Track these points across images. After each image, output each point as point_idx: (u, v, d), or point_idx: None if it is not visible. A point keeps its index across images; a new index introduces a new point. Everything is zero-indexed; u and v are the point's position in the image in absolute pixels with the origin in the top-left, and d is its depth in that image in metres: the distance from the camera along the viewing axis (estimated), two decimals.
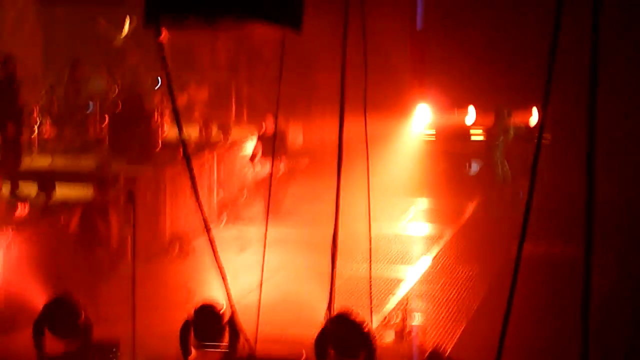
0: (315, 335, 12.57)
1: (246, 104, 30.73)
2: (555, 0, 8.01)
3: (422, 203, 27.82)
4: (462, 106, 31.65)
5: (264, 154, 23.53)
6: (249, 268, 19.56)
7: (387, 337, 17.04)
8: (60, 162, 23.13)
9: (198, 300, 13.86)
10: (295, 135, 30.91)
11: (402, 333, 17.44)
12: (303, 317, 17.84)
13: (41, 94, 23.70)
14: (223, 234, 23.38)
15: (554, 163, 21.18)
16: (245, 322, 12.36)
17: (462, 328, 18.12)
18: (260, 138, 23.38)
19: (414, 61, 34.15)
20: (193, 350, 13.11)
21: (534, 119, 28.03)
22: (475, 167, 30.15)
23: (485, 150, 27.33)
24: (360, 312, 13.24)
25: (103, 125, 24.23)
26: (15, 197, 20.75)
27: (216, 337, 12.83)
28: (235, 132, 27.76)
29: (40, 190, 20.38)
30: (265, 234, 13.71)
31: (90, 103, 24.31)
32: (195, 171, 23.91)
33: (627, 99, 28.30)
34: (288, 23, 8.04)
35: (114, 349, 13.83)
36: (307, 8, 8.43)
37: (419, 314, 18.61)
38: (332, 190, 10.69)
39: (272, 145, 22.87)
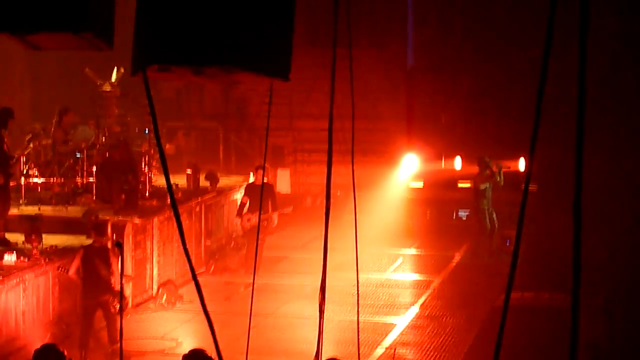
0: None
1: (234, 152, 30.77)
2: (542, 50, 8.06)
3: (411, 251, 27.83)
4: (450, 156, 31.80)
5: (253, 205, 23.48)
6: (238, 314, 19.61)
7: None
8: (47, 210, 23.13)
9: (187, 349, 13.85)
10: (283, 183, 31.01)
11: None
12: None
13: (25, 141, 23.68)
14: (211, 280, 23.39)
15: (541, 211, 21.26)
16: None
17: None
18: (248, 188, 23.38)
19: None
20: None
21: (522, 166, 28.11)
22: (462, 215, 30.22)
23: (472, 198, 27.38)
24: (346, 358, 13.23)
25: (91, 174, 24.19)
26: (3, 244, 20.76)
27: None
28: (223, 181, 27.79)
29: (26, 239, 20.37)
30: (253, 281, 13.72)
31: (77, 153, 24.28)
32: (184, 219, 24.04)
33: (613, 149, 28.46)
34: (276, 73, 8.06)
35: None
36: (293, 57, 8.48)
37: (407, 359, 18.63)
38: (319, 239, 10.72)
39: (256, 193, 22.98)
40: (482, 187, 26.77)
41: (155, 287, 22.83)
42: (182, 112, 28.78)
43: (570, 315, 8.06)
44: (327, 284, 11.86)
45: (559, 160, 19.67)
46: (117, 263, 18.73)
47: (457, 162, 31.39)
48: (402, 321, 21.24)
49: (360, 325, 14.50)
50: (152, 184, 24.75)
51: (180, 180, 26.00)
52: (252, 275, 14.03)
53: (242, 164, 30.07)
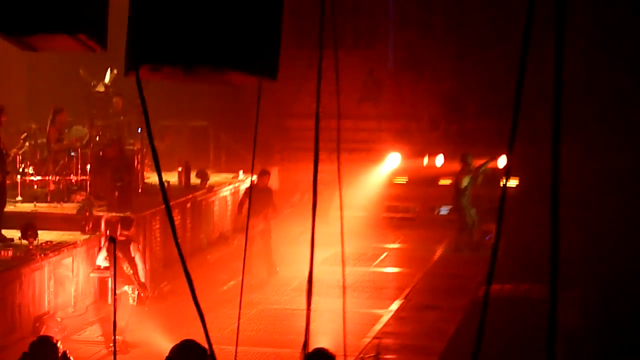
0: None
1: (224, 150, 30.78)
2: (520, 53, 8.07)
3: (395, 245, 27.87)
4: (432, 154, 31.91)
5: (255, 209, 23.39)
6: (229, 302, 19.67)
7: None
8: (42, 208, 23.13)
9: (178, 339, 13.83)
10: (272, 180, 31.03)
11: None
12: (280, 355, 17.86)
13: (21, 139, 23.68)
14: (201, 274, 23.39)
15: (520, 205, 21.30)
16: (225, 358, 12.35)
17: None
18: (248, 190, 23.36)
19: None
20: None
21: (502, 163, 28.17)
22: (444, 211, 30.28)
23: (453, 195, 27.42)
24: (334, 348, 13.23)
25: (85, 172, 24.19)
26: (1, 240, 20.77)
27: None
28: (213, 178, 27.81)
29: (22, 234, 20.38)
30: (243, 274, 13.76)
31: (72, 150, 24.30)
32: (175, 215, 24.05)
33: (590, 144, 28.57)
34: (264, 72, 8.06)
35: None
36: (281, 57, 8.49)
37: (391, 349, 18.64)
38: (307, 234, 10.73)
39: (258, 196, 22.98)
40: (464, 184, 26.80)
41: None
42: (174, 111, 28.72)
43: (548, 305, 8.09)
44: (314, 277, 11.88)
45: (537, 156, 19.75)
46: (141, 257, 18.89)
47: (439, 160, 31.48)
48: (387, 312, 21.27)
49: (346, 316, 14.46)
50: (145, 181, 24.74)
51: (171, 177, 26.01)
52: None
53: (231, 161, 30.08)
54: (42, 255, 20.15)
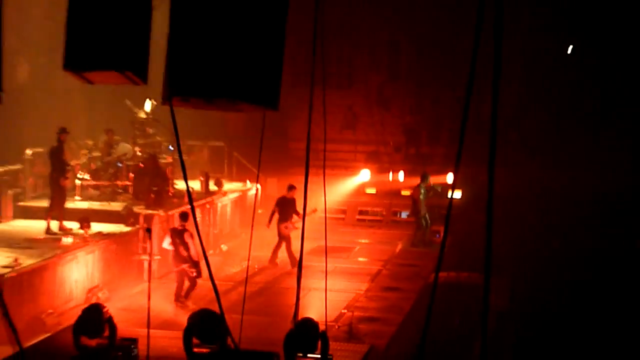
0: (284, 336, 12.53)
1: (235, 165, 30.76)
2: (465, 92, 8.06)
3: (365, 241, 27.79)
4: (395, 170, 31.96)
5: (283, 215, 23.22)
6: (237, 281, 19.62)
7: (339, 336, 17.01)
8: (96, 206, 23.13)
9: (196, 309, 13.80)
10: (272, 188, 31.03)
11: (350, 333, 17.41)
12: (275, 322, 17.79)
13: (82, 153, 23.68)
14: (218, 260, 23.36)
15: (463, 211, 21.26)
16: (233, 326, 12.32)
17: (393, 331, 18.10)
18: (279, 201, 23.19)
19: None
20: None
21: (450, 179, 28.17)
22: (404, 215, 30.24)
23: (411, 203, 27.36)
24: (317, 318, 13.19)
25: (128, 179, 24.20)
26: (62, 230, 20.74)
27: (211, 337, 12.75)
28: (227, 186, 27.79)
29: (80, 225, 20.37)
30: (248, 261, 13.74)
31: (119, 162, 24.33)
32: (197, 213, 24.02)
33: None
34: (268, 104, 8.05)
35: (133, 345, 13.76)
36: (282, 93, 8.48)
37: (361, 320, 18.59)
38: (299, 231, 10.70)
39: (286, 205, 23.05)
40: (420, 195, 26.77)
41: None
42: (198, 133, 28.67)
43: (483, 290, 8.05)
44: (303, 264, 11.85)
45: (476, 174, 19.73)
46: (193, 242, 18.85)
47: (401, 176, 31.50)
48: (358, 292, 21.20)
49: (327, 294, 14.41)
50: (174, 187, 24.69)
51: (195, 184, 25.98)
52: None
53: (241, 173, 30.06)
54: (94, 242, 20.13)
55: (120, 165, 24.33)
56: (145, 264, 20.43)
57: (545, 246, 24.81)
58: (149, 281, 14.61)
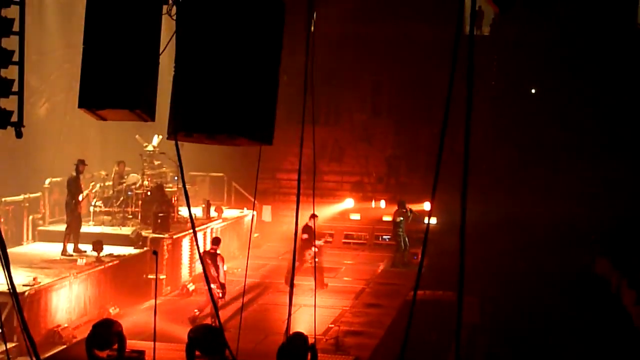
0: (277, 349, 12.47)
1: (234, 193, 30.76)
2: (440, 130, 8.07)
3: (350, 262, 27.76)
4: (377, 199, 32.02)
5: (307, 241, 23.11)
6: (234, 298, 19.55)
7: (327, 348, 16.95)
8: (108, 230, 23.07)
9: (199, 323, 13.74)
10: (266, 214, 31.02)
11: (337, 345, 17.36)
12: (269, 336, 17.72)
13: (97, 185, 23.66)
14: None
15: (439, 237, 21.26)
16: (230, 339, 12.28)
17: (376, 344, 18.05)
18: (304, 228, 23.06)
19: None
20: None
21: (427, 207, 28.20)
22: (385, 238, 30.22)
23: (392, 227, 27.37)
24: (306, 332, 13.15)
25: (137, 206, 24.17)
26: (77, 252, 20.69)
27: (211, 350, 12.69)
28: (226, 212, 27.77)
29: (93, 248, 20.30)
30: (245, 277, 13.67)
31: (129, 191, 24.31)
32: (199, 237, 24.01)
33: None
34: (263, 139, 8.05)
35: (140, 357, 13.68)
36: (276, 129, 8.48)
37: (346, 333, 18.53)
38: (290, 253, 10.67)
39: (309, 232, 22.55)
40: (398, 220, 26.78)
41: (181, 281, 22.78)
42: (200, 165, 28.68)
43: (457, 306, 8.02)
44: (294, 282, 11.81)
45: (450, 203, 19.75)
46: (222, 265, 18.58)
47: (382, 203, 31.55)
48: (344, 308, 21.16)
49: (316, 310, 14.37)
50: (179, 213, 24.64)
51: (197, 211, 25.96)
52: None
53: (239, 201, 30.08)
54: (106, 263, 20.07)
55: (130, 193, 24.29)
56: (153, 284, 20.37)
57: (511, 267, 24.87)
58: (155, 298, 14.55)
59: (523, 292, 22.01)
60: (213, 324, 17.58)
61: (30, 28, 8.96)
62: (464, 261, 7.71)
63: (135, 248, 21.64)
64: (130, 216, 24.09)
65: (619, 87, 33.62)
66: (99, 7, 8.22)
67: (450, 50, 7.34)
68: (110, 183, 24.59)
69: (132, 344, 13.87)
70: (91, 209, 23.75)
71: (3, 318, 15.88)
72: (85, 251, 20.63)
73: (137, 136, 25.12)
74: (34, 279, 17.54)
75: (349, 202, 32.14)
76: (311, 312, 14.23)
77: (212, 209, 26.69)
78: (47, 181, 23.91)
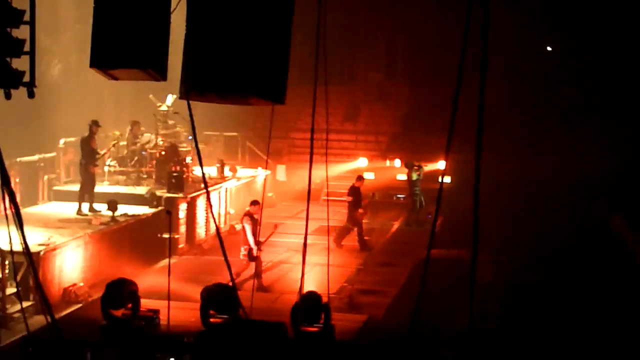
0: (291, 308, 12.54)
1: (248, 153, 30.76)
2: (455, 89, 8.03)
3: (364, 221, 27.70)
4: (392, 158, 31.91)
5: (356, 202, 23.54)
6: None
7: (340, 307, 16.97)
8: (122, 190, 23.14)
9: (211, 283, 13.78)
10: (281, 174, 31.04)
11: (351, 304, 17.40)
12: (282, 296, 17.78)
13: (111, 144, 23.67)
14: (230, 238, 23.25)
15: (452, 195, 21.21)
16: (244, 299, 12.33)
17: (389, 302, 18.09)
18: (352, 190, 23.34)
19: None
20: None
21: (441, 165, 28.11)
22: (400, 197, 30.20)
23: (407, 186, 27.32)
24: (320, 291, 13.19)
25: (151, 165, 24.20)
26: (92, 212, 20.77)
27: (225, 309, 12.77)
28: (240, 171, 27.77)
29: (108, 207, 20.38)
30: (258, 236, 13.71)
31: (143, 151, 24.34)
32: (213, 196, 24.08)
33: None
34: (275, 98, 8.03)
35: (155, 315, 13.78)
36: (289, 90, 8.45)
37: (359, 292, 18.58)
38: (304, 211, 10.66)
39: (358, 194, 23.46)
40: (414, 178, 26.70)
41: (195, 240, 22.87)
42: (215, 124, 28.64)
43: (470, 265, 8.02)
44: (307, 242, 11.82)
45: (465, 162, 19.67)
46: (251, 227, 18.41)
47: (397, 162, 31.44)
48: (359, 267, 21.20)
49: (329, 269, 14.40)
50: (192, 173, 24.62)
51: (211, 171, 25.99)
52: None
53: (253, 160, 30.05)
54: (121, 222, 20.17)
55: (144, 153, 24.33)
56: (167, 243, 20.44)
57: (526, 225, 24.79)
58: (169, 257, 14.62)
59: (538, 251, 21.97)
60: (259, 287, 17.70)
61: None
62: (477, 219, 7.71)
63: (149, 207, 21.71)
64: (145, 176, 24.13)
65: (635, 44, 33.31)
66: None
67: (464, 7, 7.29)
68: (125, 143, 24.60)
69: (146, 303, 13.96)
70: (106, 168, 23.81)
71: (19, 278, 16.02)
72: (100, 211, 20.74)
73: (150, 96, 25.07)
74: (49, 238, 17.65)
75: (362, 161, 32.05)
76: (325, 271, 14.24)
77: (227, 168, 26.69)
78: (62, 141, 23.99)
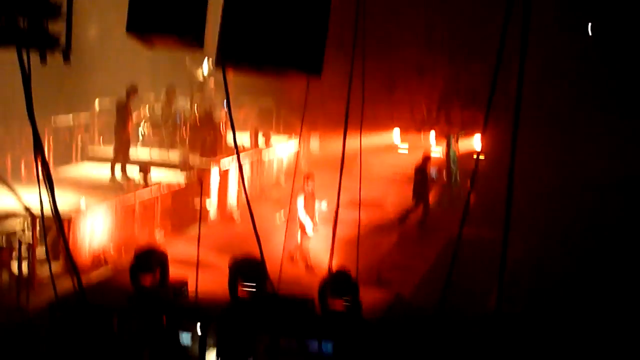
0: (319, 282, 12.57)
1: (282, 121, 30.75)
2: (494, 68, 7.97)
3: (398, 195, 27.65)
4: (427, 131, 31.82)
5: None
6: (279, 230, 19.56)
7: (368, 283, 16.97)
8: (155, 154, 23.23)
9: (240, 254, 13.80)
10: (314, 145, 31.05)
11: (379, 280, 17.41)
12: (312, 271, 17.79)
13: (146, 108, 23.76)
14: (261, 207, 23.25)
15: (488, 173, 21.11)
16: (272, 272, 12.35)
17: (418, 280, 18.09)
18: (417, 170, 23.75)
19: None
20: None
21: (476, 142, 27.97)
22: (432, 172, 30.09)
23: (444, 160, 27.22)
24: (348, 265, 13.19)
25: (185, 131, 24.29)
26: (125, 176, 20.89)
27: (253, 281, 12.79)
28: (274, 138, 27.81)
29: (140, 172, 20.48)
30: (289, 213, 13.72)
31: (178, 116, 24.43)
32: (246, 163, 24.13)
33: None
34: (312, 71, 7.99)
35: (183, 286, 13.84)
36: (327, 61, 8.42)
37: (388, 268, 18.59)
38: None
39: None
40: (451, 153, 26.59)
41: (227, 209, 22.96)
42: (250, 91, 28.65)
43: (502, 243, 7.99)
44: (340, 215, 11.79)
45: (501, 138, 19.55)
46: (312, 200, 18.67)
47: (432, 136, 31.32)
48: (389, 242, 21.19)
49: (360, 244, 14.37)
50: (226, 139, 24.66)
51: (245, 138, 26.06)
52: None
53: (286, 128, 30.00)
54: (153, 187, 20.29)
55: (178, 118, 24.41)
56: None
57: (556, 206, 24.67)
58: (199, 224, 14.62)
59: (570, 232, 21.87)
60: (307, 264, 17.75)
61: None
62: (511, 197, 7.65)
63: (182, 173, 21.79)
64: (178, 141, 24.21)
65: None
66: None
67: None
68: (160, 107, 24.68)
69: (175, 272, 14.02)
70: (140, 133, 23.91)
71: (49, 241, 16.11)
72: (134, 178, 20.82)
73: (187, 59, 25.12)
74: (81, 201, 17.77)
75: (396, 134, 31.94)
76: (354, 246, 14.22)
77: (261, 136, 26.73)
78: (97, 102, 24.10)
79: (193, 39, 8.21)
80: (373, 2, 9.89)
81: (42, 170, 7.77)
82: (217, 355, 12.14)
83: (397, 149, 31.84)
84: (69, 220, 16.68)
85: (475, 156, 26.16)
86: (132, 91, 21.19)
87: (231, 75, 8.33)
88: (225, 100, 25.91)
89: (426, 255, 20.01)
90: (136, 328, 12.24)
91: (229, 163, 23.11)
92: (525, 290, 17.67)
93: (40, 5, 7.60)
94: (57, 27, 7.93)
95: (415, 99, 35.00)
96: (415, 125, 33.45)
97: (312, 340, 11.93)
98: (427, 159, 23.78)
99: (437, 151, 29.11)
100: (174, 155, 22.93)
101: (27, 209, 15.54)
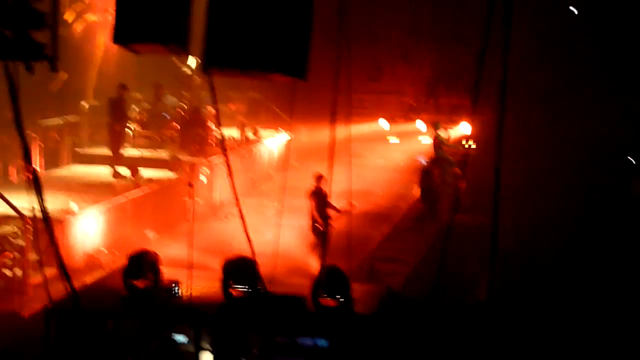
0: (312, 281, 12.64)
1: (271, 115, 30.74)
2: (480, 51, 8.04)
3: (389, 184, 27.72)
4: (415, 120, 31.85)
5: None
6: (270, 227, 19.58)
7: (361, 277, 17.01)
8: (144, 153, 23.25)
9: (233, 253, 13.84)
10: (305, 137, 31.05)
11: (372, 273, 17.44)
12: (302, 267, 17.83)
13: (134, 107, 23.81)
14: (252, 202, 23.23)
15: (477, 159, 21.20)
16: (264, 268, 12.42)
17: (409, 271, 18.14)
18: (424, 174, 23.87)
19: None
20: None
21: (464, 130, 27.98)
22: (421, 159, 30.06)
23: (432, 148, 27.22)
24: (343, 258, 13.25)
25: (174, 129, 24.30)
26: (116, 175, 20.93)
27: (246, 280, 12.84)
28: (262, 133, 27.84)
29: (130, 171, 20.54)
30: (282, 207, 13.73)
31: (166, 114, 24.44)
32: (234, 158, 24.12)
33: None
34: (297, 74, 8.10)
35: (176, 286, 13.87)
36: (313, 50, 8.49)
37: (381, 259, 18.65)
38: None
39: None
40: (438, 140, 26.60)
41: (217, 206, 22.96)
42: (238, 85, 28.66)
43: (492, 231, 8.08)
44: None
45: (488, 124, 19.60)
46: (326, 200, 18.27)
47: (420, 125, 31.34)
48: (380, 234, 21.23)
49: (353, 237, 14.45)
50: (214, 135, 24.66)
51: (234, 132, 26.08)
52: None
53: (274, 123, 29.95)
54: (143, 186, 20.31)
55: (167, 116, 24.41)
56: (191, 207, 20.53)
57: (547, 192, 24.74)
58: (192, 222, 14.65)
59: (560, 216, 21.94)
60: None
61: None
62: (499, 184, 7.74)
63: (172, 171, 21.82)
64: (168, 139, 24.22)
65: None
66: None
67: None
68: (148, 106, 24.69)
69: (168, 272, 14.05)
70: (129, 132, 23.93)
71: (42, 245, 16.08)
72: (125, 176, 20.85)
73: (173, 58, 25.14)
74: (71, 203, 17.79)
75: (383, 123, 31.95)
76: (349, 240, 14.28)
77: (248, 130, 26.78)
78: (85, 104, 24.10)
79: (178, 46, 8.32)
80: None
81: (31, 177, 7.85)
82: (212, 355, 12.20)
83: (387, 136, 31.86)
84: (61, 223, 16.69)
85: (464, 141, 26.21)
86: (122, 90, 21.41)
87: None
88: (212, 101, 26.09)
89: (418, 246, 20.06)
90: (130, 330, 12.29)
91: (218, 159, 23.10)
92: (517, 275, 17.77)
93: (25, 16, 7.66)
94: (43, 37, 8.00)
95: (402, 86, 35.06)
96: (403, 113, 33.50)
97: (305, 337, 11.99)
98: (434, 161, 23.81)
99: (426, 139, 29.09)
100: (164, 154, 22.95)
101: (20, 213, 15.62)
